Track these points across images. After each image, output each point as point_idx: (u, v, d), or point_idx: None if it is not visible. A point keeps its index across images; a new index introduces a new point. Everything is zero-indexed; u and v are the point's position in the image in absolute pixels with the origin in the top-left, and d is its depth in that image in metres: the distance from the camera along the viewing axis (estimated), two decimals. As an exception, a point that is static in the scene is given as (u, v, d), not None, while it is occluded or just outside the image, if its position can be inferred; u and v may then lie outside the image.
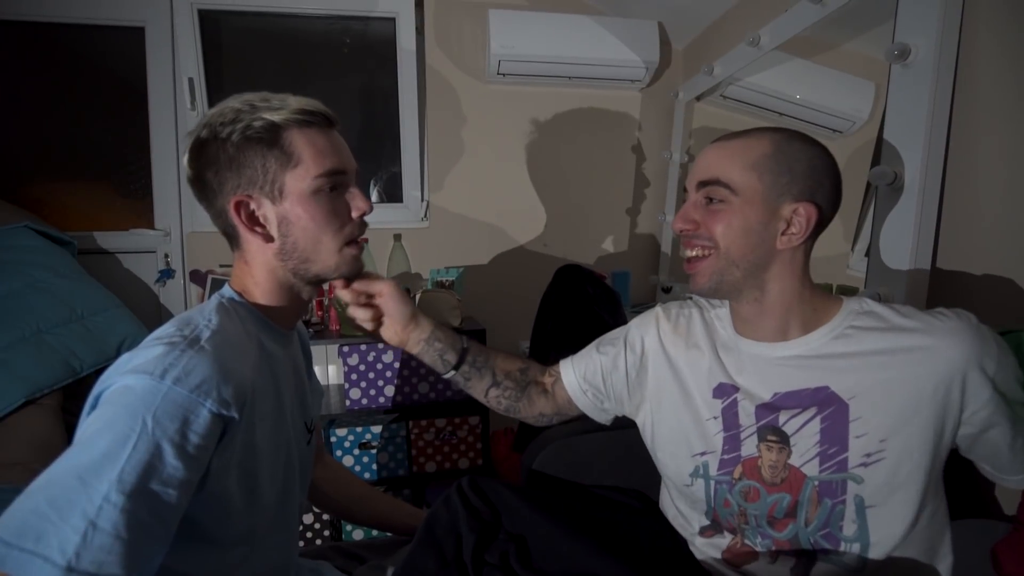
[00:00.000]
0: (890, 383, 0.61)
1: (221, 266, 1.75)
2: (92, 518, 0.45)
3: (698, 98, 1.87)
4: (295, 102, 0.65)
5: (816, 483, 0.65)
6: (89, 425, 0.51)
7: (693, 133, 1.95)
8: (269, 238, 0.66)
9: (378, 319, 0.82)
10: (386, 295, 0.81)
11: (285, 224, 0.65)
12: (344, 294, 0.78)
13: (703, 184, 0.68)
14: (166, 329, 0.58)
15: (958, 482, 0.72)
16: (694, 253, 0.69)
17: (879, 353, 0.63)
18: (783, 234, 0.65)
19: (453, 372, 0.86)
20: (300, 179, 0.64)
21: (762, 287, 0.67)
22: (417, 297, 1.49)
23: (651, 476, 0.85)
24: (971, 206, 0.91)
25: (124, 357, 0.55)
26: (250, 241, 0.67)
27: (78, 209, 1.76)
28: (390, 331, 0.83)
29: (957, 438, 0.63)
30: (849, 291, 1.19)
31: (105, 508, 0.45)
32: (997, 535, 0.80)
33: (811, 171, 0.65)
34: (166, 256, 1.76)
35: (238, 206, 0.64)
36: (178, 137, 1.74)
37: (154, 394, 0.50)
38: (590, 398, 0.86)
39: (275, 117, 0.63)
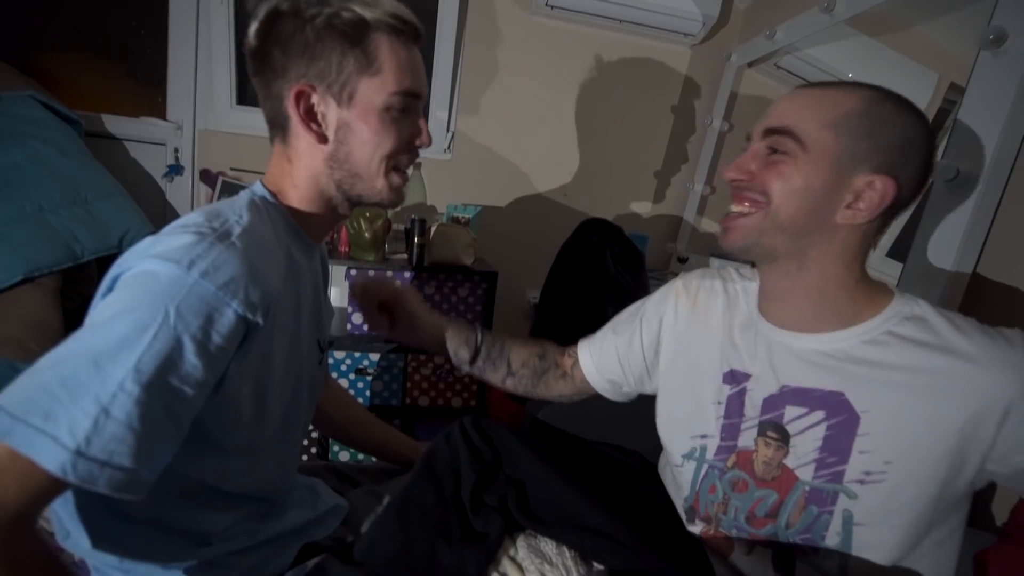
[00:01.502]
0: (913, 407, 0.55)
1: (232, 169, 1.68)
2: (105, 405, 0.43)
3: (750, 64, 1.77)
4: (389, 4, 0.59)
5: (807, 488, 0.60)
6: (105, 308, 0.47)
7: (738, 102, 1.85)
8: (323, 139, 0.61)
9: (393, 321, 0.85)
10: (404, 300, 0.84)
11: (344, 130, 0.60)
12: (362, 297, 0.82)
13: (770, 132, 0.59)
14: (193, 218, 0.54)
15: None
16: (740, 208, 0.62)
17: (910, 370, 0.55)
18: (848, 207, 0.57)
19: (468, 367, 0.87)
20: (376, 90, 0.59)
21: (801, 260, 0.60)
22: (432, 229, 1.45)
23: (655, 439, 0.84)
24: (1031, 215, 0.86)
25: (147, 241, 0.51)
26: (300, 137, 0.62)
27: (87, 86, 1.66)
28: (405, 332, 0.86)
29: (987, 474, 0.56)
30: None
31: (120, 396, 0.43)
32: (979, 544, 0.81)
33: (902, 142, 0.56)
34: (176, 151, 1.69)
35: (299, 96, 0.59)
36: (199, 26, 1.63)
37: (179, 285, 0.47)
38: (607, 382, 0.84)
39: (367, 13, 0.57)
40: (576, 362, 0.86)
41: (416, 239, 1.43)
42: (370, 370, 1.54)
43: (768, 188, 0.58)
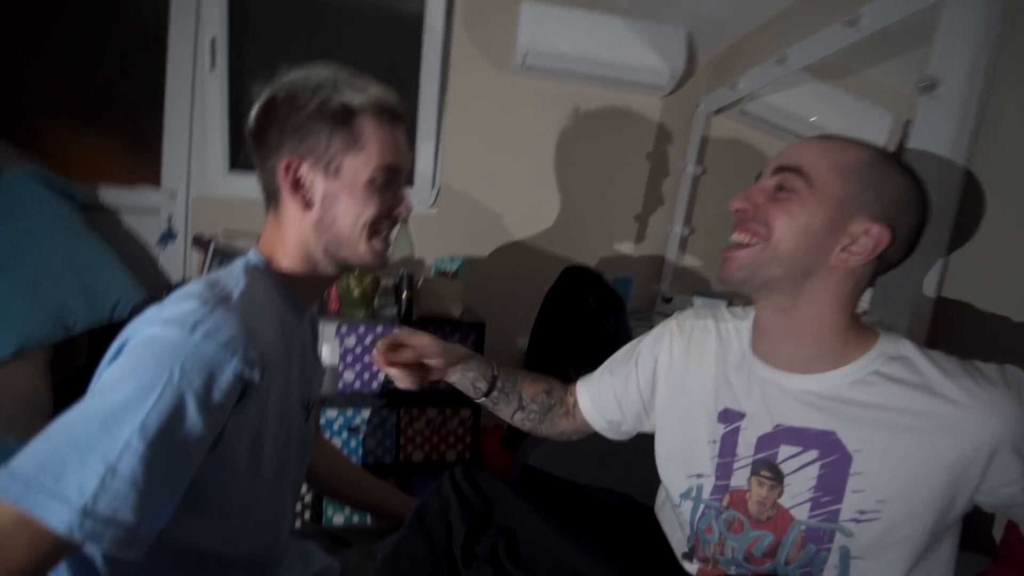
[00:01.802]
0: (902, 447, 0.56)
1: (225, 231, 1.73)
2: (112, 463, 0.45)
3: (718, 111, 1.87)
4: (376, 91, 0.66)
5: (803, 528, 0.61)
6: (113, 372, 0.50)
7: (708, 147, 1.95)
8: (308, 205, 0.66)
9: (418, 377, 0.84)
10: (428, 347, 0.83)
11: (330, 199, 0.66)
12: (390, 371, 0.81)
13: (781, 169, 0.62)
14: (195, 287, 0.58)
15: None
16: (742, 238, 0.64)
17: (899, 411, 0.57)
18: (843, 250, 0.59)
19: (484, 399, 0.87)
20: (361, 165, 0.65)
21: (795, 298, 0.62)
22: (420, 282, 1.48)
23: (646, 480, 0.84)
24: (983, 241, 0.91)
25: (152, 309, 0.55)
26: (289, 205, 0.67)
27: (84, 158, 1.72)
28: (436, 376, 0.86)
29: (975, 502, 0.58)
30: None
31: (126, 454, 0.45)
32: (974, 567, 0.80)
33: (903, 198, 0.60)
34: (169, 218, 1.74)
35: (288, 166, 0.65)
36: (194, 97, 1.71)
37: (183, 346, 0.50)
38: (606, 422, 0.85)
39: (354, 100, 0.64)
40: (577, 401, 0.87)
41: (404, 294, 1.47)
42: (363, 427, 1.53)
43: (772, 221, 0.61)
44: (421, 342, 0.83)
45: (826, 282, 0.61)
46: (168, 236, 1.73)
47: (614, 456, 0.92)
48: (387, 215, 0.69)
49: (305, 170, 0.65)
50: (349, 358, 1.51)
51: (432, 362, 0.83)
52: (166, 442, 0.48)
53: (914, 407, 0.56)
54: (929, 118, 0.95)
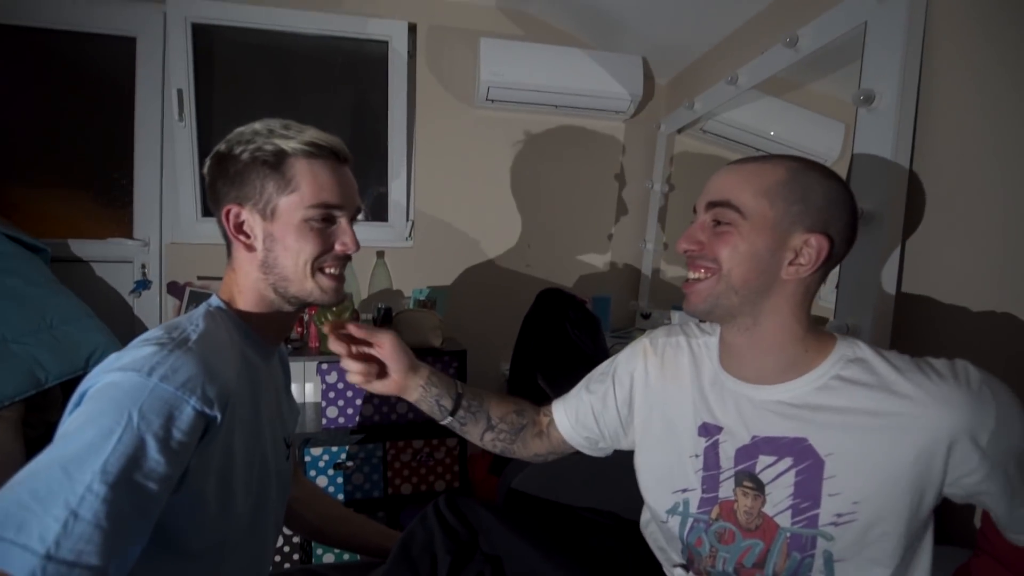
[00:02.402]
0: (869, 447, 0.59)
1: (200, 278, 1.72)
2: (74, 507, 0.45)
3: (679, 131, 1.94)
4: (310, 134, 0.69)
5: (788, 535, 0.63)
6: (74, 419, 0.51)
7: (674, 164, 2.01)
8: (251, 248, 0.69)
9: (371, 374, 0.81)
10: (387, 346, 0.81)
11: (270, 240, 0.69)
12: (337, 347, 0.78)
13: (712, 205, 0.66)
14: (154, 332, 0.60)
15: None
16: (697, 276, 0.67)
17: (862, 413, 0.60)
18: (791, 264, 0.63)
19: (450, 418, 0.85)
20: (294, 205, 0.67)
21: (756, 316, 0.65)
22: (399, 315, 1.49)
23: (630, 497, 0.85)
24: (932, 236, 0.96)
25: (112, 357, 0.56)
26: (237, 249, 0.70)
27: (55, 216, 1.72)
28: (390, 381, 0.82)
29: (946, 495, 0.60)
30: (819, 323, 1.23)
31: (87, 498, 0.46)
32: (956, 561, 0.82)
33: (826, 203, 0.62)
34: (143, 266, 1.73)
35: (228, 212, 0.68)
36: (163, 148, 1.73)
37: (140, 389, 0.52)
38: (584, 439, 0.85)
39: (285, 145, 0.67)
40: (552, 421, 0.88)
41: (384, 327, 1.47)
42: (349, 463, 1.51)
43: (718, 255, 0.64)
44: (383, 350, 0.81)
45: (781, 296, 0.64)
46: (142, 284, 1.72)
47: (598, 475, 0.93)
48: (328, 252, 0.71)
49: (245, 215, 0.69)
50: (331, 394, 1.50)
51: (391, 364, 0.81)
52: (128, 484, 0.48)
53: (874, 407, 0.59)
54: (868, 127, 1.01)
